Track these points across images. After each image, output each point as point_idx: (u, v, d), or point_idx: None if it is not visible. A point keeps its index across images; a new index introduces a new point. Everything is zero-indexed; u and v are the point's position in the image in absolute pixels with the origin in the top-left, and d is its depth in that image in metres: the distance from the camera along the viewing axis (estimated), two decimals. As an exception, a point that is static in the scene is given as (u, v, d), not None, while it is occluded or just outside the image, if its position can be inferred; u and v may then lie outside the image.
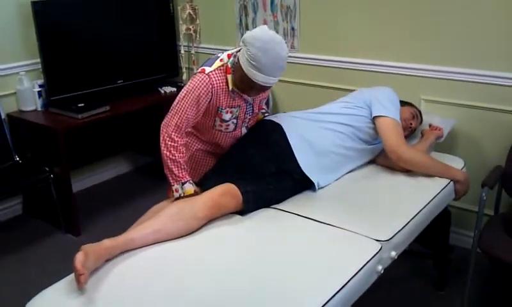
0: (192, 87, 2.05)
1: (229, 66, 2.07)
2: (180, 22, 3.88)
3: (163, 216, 1.84)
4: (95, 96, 3.50)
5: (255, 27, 3.56)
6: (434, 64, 2.82)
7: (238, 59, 2.01)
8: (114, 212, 3.49)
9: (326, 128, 2.26)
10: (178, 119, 2.06)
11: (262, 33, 1.94)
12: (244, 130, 2.29)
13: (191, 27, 3.87)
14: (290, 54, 3.39)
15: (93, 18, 3.50)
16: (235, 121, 2.19)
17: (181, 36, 3.91)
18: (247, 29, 3.62)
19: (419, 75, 2.89)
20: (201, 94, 2.04)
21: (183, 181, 2.04)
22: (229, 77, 2.07)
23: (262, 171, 2.11)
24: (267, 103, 3.55)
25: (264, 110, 2.46)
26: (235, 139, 2.28)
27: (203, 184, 2.12)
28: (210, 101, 2.08)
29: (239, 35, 3.66)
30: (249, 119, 2.29)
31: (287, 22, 3.40)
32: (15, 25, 3.34)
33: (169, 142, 2.05)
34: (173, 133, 2.06)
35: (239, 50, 2.04)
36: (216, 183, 2.01)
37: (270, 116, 2.39)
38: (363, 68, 3.10)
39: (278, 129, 2.19)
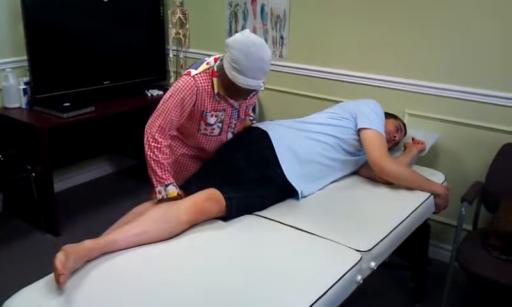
0: (177, 89, 2.06)
1: (215, 69, 2.08)
2: (170, 25, 3.88)
3: (146, 219, 1.83)
4: (81, 96, 3.47)
5: (244, 35, 3.60)
6: (419, 79, 2.86)
7: (223, 63, 2.02)
8: (95, 213, 3.46)
9: (311, 138, 2.28)
10: (162, 120, 2.06)
11: (243, 37, 1.95)
12: (229, 135, 2.30)
13: (180, 31, 3.87)
14: (278, 63, 3.45)
15: (82, 17, 3.48)
16: (220, 125, 2.20)
17: (170, 40, 3.92)
18: (236, 36, 3.62)
19: (404, 89, 2.93)
20: (185, 96, 2.05)
21: (166, 183, 2.04)
22: (215, 80, 2.08)
23: (246, 176, 2.11)
24: (253, 111, 3.58)
25: (251, 118, 2.47)
26: (221, 144, 2.29)
27: (187, 188, 2.12)
28: (195, 104, 2.09)
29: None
30: (235, 124, 2.30)
31: (276, 31, 3.43)
32: (2, 22, 3.31)
33: (153, 144, 2.06)
34: (157, 134, 2.06)
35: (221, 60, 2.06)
36: (200, 187, 2.02)
37: (257, 123, 2.40)
38: (350, 79, 3.14)
39: (264, 136, 2.20)
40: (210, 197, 1.95)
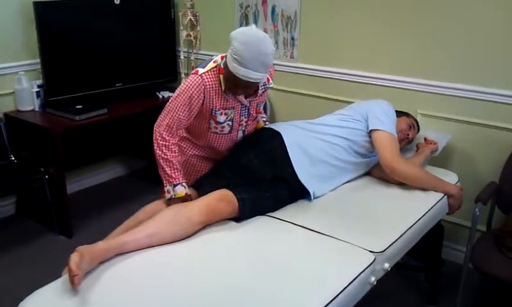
0: (185, 88, 2.06)
1: (222, 67, 2.07)
2: (181, 27, 3.89)
3: (158, 220, 1.84)
4: (93, 99, 3.50)
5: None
6: (431, 79, 2.84)
7: (226, 56, 2.02)
8: (108, 214, 3.48)
9: (322, 139, 2.27)
10: (170, 119, 2.07)
11: (246, 29, 1.96)
12: (240, 134, 2.28)
13: (191, 33, 3.88)
14: (289, 64, 3.45)
15: (93, 21, 3.51)
16: (230, 123, 2.19)
17: (181, 42, 3.93)
18: (247, 37, 3.63)
19: (417, 89, 2.91)
20: (193, 94, 2.05)
21: (175, 183, 2.05)
22: (222, 78, 2.07)
23: (259, 176, 2.11)
24: (264, 112, 3.58)
25: (264, 119, 2.47)
26: (232, 143, 2.29)
27: (199, 186, 2.12)
28: (203, 103, 2.09)
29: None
30: (247, 122, 2.28)
31: (287, 32, 3.42)
32: (15, 25, 3.34)
33: (161, 142, 2.07)
34: (164, 133, 2.08)
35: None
36: (212, 186, 2.02)
37: (269, 124, 2.40)
38: (361, 80, 3.13)
39: (277, 137, 2.20)
40: (222, 198, 1.95)
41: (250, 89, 2.09)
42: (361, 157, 2.37)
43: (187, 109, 2.07)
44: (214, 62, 2.10)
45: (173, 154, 2.08)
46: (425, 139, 2.63)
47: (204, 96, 2.07)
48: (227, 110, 2.15)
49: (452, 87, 2.77)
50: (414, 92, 2.93)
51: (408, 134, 2.53)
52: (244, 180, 2.10)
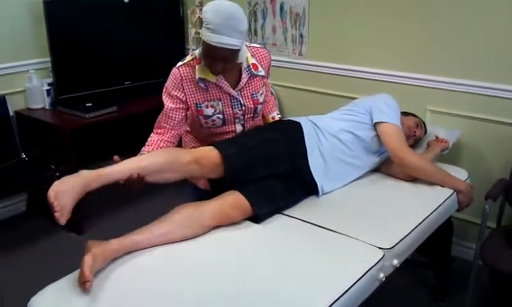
0: (166, 82, 2.09)
1: (198, 57, 2.05)
2: (190, 25, 3.90)
3: (170, 221, 1.83)
4: (103, 97, 3.52)
5: (264, 33, 3.61)
6: (441, 76, 2.83)
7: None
8: (118, 211, 3.50)
9: (331, 134, 2.26)
10: (161, 115, 2.11)
11: (216, 1, 1.93)
12: (239, 127, 2.21)
13: (200, 30, 3.89)
14: (297, 61, 3.45)
15: (103, 19, 3.54)
16: (220, 116, 2.13)
17: (190, 40, 3.94)
18: (256, 34, 3.64)
19: (426, 85, 2.90)
20: (171, 87, 2.07)
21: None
22: (197, 67, 2.05)
23: (279, 168, 2.07)
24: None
25: (279, 115, 2.46)
26: (232, 135, 2.21)
27: (223, 148, 2.00)
28: (184, 98, 2.07)
29: (247, 40, 3.68)
30: (245, 116, 2.19)
31: (296, 29, 3.42)
32: (26, 24, 3.37)
33: (148, 138, 2.11)
34: (154, 129, 2.12)
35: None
36: (236, 154, 1.98)
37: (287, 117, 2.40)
38: (370, 77, 3.12)
39: (296, 125, 2.20)
40: (236, 206, 1.93)
41: (228, 62, 1.97)
42: (371, 155, 2.36)
43: (170, 103, 2.08)
44: (191, 55, 2.10)
45: (149, 138, 2.10)
46: (436, 137, 2.62)
47: (183, 89, 2.06)
48: (212, 102, 2.10)
49: (462, 83, 2.76)
50: (423, 88, 2.92)
51: (415, 131, 2.52)
52: (266, 166, 2.05)
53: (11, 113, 3.33)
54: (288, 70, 3.55)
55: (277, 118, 2.44)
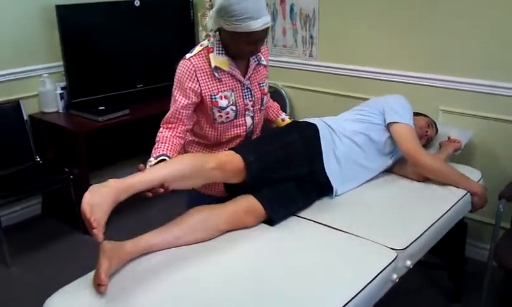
0: (177, 76, 2.04)
1: (209, 46, 2.03)
2: (200, 28, 3.92)
3: (185, 224, 1.84)
4: (115, 100, 3.55)
5: (274, 35, 3.62)
6: (453, 75, 2.81)
7: (220, 35, 1.99)
8: (130, 213, 3.52)
9: (345, 136, 2.26)
10: (171, 112, 2.05)
11: None
12: (249, 121, 2.18)
13: (210, 33, 3.90)
14: (308, 62, 3.46)
15: (115, 23, 3.57)
16: (233, 107, 2.10)
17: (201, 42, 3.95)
18: (266, 36, 3.64)
19: (438, 85, 2.89)
20: (184, 79, 2.01)
21: (153, 156, 1.98)
22: (211, 55, 2.02)
23: (295, 170, 2.07)
24: (284, 111, 3.58)
25: (288, 117, 2.46)
26: (243, 132, 2.18)
27: (245, 153, 1.99)
28: (199, 89, 2.02)
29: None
30: (253, 107, 2.17)
31: (306, 30, 3.42)
32: (38, 28, 3.42)
33: (158, 134, 2.06)
34: (162, 125, 2.07)
35: (216, 31, 2.02)
36: (257, 160, 1.97)
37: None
38: (381, 77, 3.11)
39: (313, 127, 2.19)
40: (251, 211, 1.93)
41: (263, 41, 2.02)
42: (384, 157, 2.35)
43: (183, 96, 2.02)
44: (200, 46, 2.07)
45: (160, 134, 2.05)
46: (448, 138, 2.60)
47: (198, 81, 2.02)
48: (226, 93, 2.07)
49: (474, 83, 2.74)
50: (435, 88, 2.90)
51: (427, 131, 2.51)
52: (282, 169, 2.05)
53: (25, 117, 3.37)
54: (298, 72, 3.55)
55: (287, 119, 2.44)
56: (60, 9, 3.25)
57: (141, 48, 3.73)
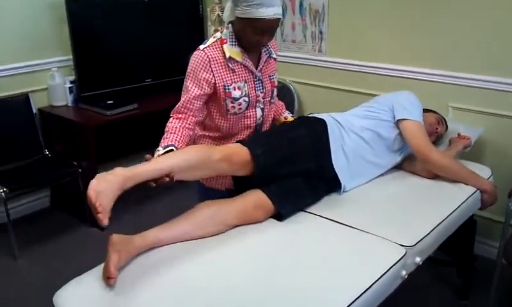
0: (190, 66, 2.04)
1: (223, 38, 2.04)
2: (209, 23, 3.92)
3: (193, 219, 1.84)
4: (124, 94, 3.56)
5: (284, 30, 3.60)
6: (463, 72, 2.79)
7: (233, 27, 2.01)
8: (138, 207, 3.54)
9: (354, 132, 2.25)
10: (182, 101, 2.05)
11: None
12: (259, 112, 2.18)
13: (219, 28, 3.88)
14: (317, 58, 3.45)
15: (124, 18, 3.57)
16: (246, 98, 2.10)
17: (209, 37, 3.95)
18: (275, 31, 3.63)
19: (448, 82, 2.87)
20: (198, 69, 2.01)
21: (161, 146, 1.97)
22: (225, 46, 2.03)
23: (303, 164, 2.07)
24: (292, 107, 3.57)
25: (291, 115, 2.45)
26: (253, 123, 2.18)
27: (252, 146, 1.99)
28: (214, 81, 2.03)
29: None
30: (264, 99, 2.18)
31: (315, 26, 3.41)
32: (48, 22, 3.43)
33: (167, 123, 2.05)
34: (172, 115, 2.06)
35: (229, 23, 2.04)
36: (264, 153, 1.97)
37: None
38: (390, 73, 3.10)
39: (322, 123, 2.18)
40: (260, 205, 1.93)
41: (273, 34, 2.02)
42: (393, 153, 2.34)
43: (196, 86, 2.03)
44: (213, 37, 2.08)
45: (170, 124, 2.04)
46: (458, 134, 2.58)
47: (212, 71, 2.02)
48: (239, 84, 2.08)
49: (484, 79, 2.72)
50: (445, 85, 2.88)
51: (437, 128, 2.50)
52: (291, 157, 2.04)
53: (34, 110, 3.38)
54: (307, 67, 3.54)
55: (289, 117, 2.43)
56: (70, 3, 3.26)
57: (150, 43, 3.73)
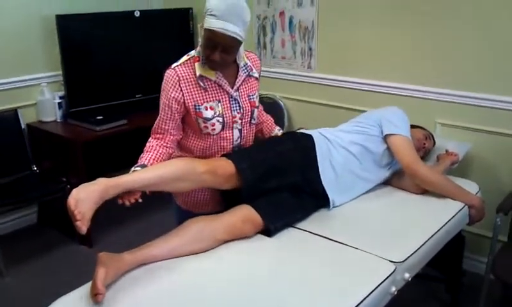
0: (162, 85, 2.04)
1: (196, 56, 2.01)
2: (199, 39, 3.92)
3: (182, 235, 1.83)
4: (114, 110, 3.55)
5: (273, 47, 3.63)
6: (450, 88, 2.83)
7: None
8: (128, 224, 3.51)
9: (342, 147, 2.26)
10: (157, 122, 2.06)
11: None
12: (236, 134, 2.12)
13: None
14: (306, 74, 3.47)
15: (114, 33, 3.58)
16: (220, 119, 2.04)
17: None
18: (265, 48, 3.67)
19: (435, 98, 2.90)
20: (168, 89, 2.00)
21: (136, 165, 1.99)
22: (197, 64, 2.00)
23: (290, 177, 2.07)
24: (282, 122, 3.59)
25: (281, 131, 2.45)
26: (229, 145, 2.12)
27: (237, 159, 1.99)
28: (182, 99, 1.99)
29: (257, 54, 3.71)
30: (242, 120, 2.12)
31: (305, 42, 3.44)
32: (38, 37, 3.42)
33: (146, 143, 2.07)
34: (152, 134, 2.08)
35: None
36: (250, 167, 1.97)
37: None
38: (379, 89, 3.13)
39: (308, 138, 2.19)
40: (248, 220, 1.93)
41: (228, 53, 1.92)
42: (381, 168, 2.36)
43: (167, 106, 2.02)
44: (187, 55, 2.06)
45: (148, 144, 2.06)
46: (446, 151, 2.61)
47: (181, 90, 1.99)
48: (211, 104, 2.02)
49: (471, 96, 2.76)
50: (432, 101, 2.92)
51: (425, 143, 2.52)
52: (277, 170, 2.04)
53: (23, 126, 3.36)
54: (297, 83, 3.56)
55: (279, 133, 2.42)
56: (60, 19, 3.27)
57: (140, 58, 3.74)
